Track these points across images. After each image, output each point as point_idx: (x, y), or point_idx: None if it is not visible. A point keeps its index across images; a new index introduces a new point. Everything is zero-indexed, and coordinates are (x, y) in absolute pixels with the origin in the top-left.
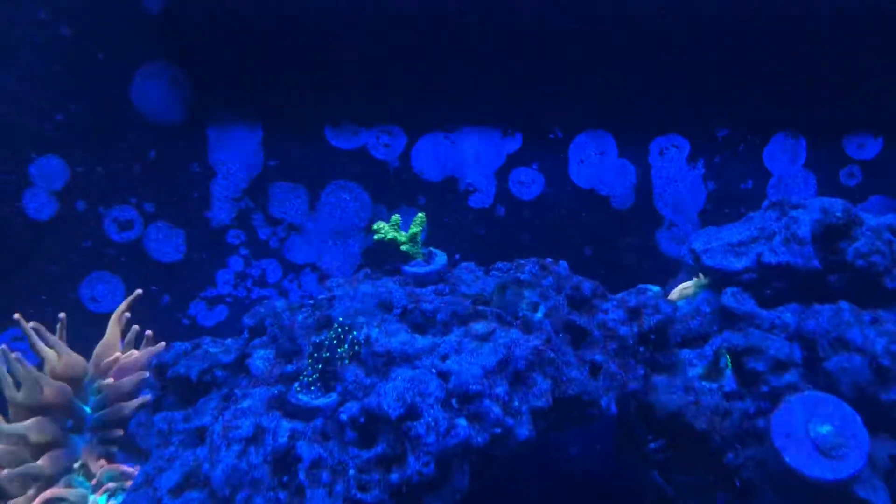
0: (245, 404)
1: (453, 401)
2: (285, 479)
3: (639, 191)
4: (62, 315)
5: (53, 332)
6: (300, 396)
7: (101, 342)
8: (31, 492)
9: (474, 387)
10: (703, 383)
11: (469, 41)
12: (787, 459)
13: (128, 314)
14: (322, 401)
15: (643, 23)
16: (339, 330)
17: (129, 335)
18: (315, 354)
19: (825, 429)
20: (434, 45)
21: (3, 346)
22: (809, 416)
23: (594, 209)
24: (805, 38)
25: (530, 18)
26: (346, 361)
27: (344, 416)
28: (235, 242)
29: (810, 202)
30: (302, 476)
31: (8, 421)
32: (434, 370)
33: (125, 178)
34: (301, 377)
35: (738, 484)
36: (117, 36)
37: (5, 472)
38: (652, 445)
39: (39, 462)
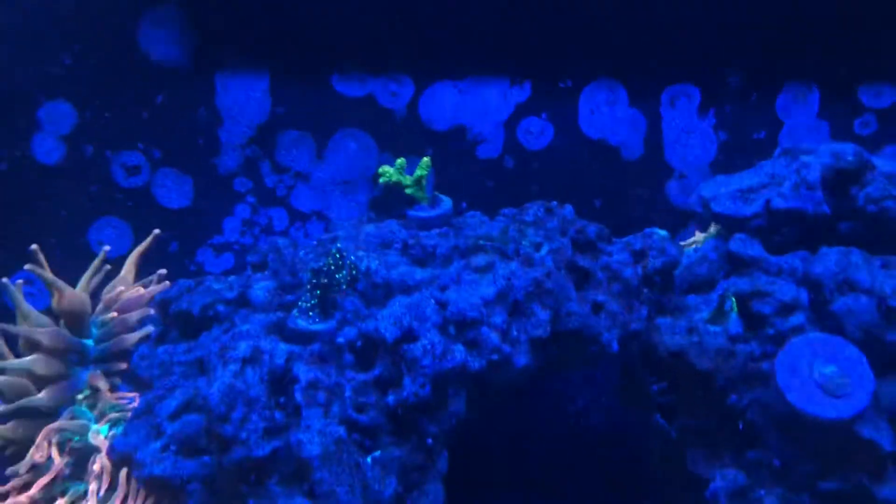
0: (244, 328)
1: (451, 328)
2: (282, 399)
3: (649, 141)
4: (34, 247)
5: (63, 273)
6: (298, 321)
7: (115, 279)
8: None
9: (472, 314)
10: (708, 326)
11: None
12: (790, 399)
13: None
14: (320, 326)
15: None
16: (337, 255)
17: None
18: (313, 280)
19: (829, 369)
20: None
21: (5, 280)
22: (814, 356)
23: (604, 160)
24: None
25: None
26: (345, 286)
27: (341, 340)
28: (242, 190)
29: (821, 147)
30: (298, 396)
31: (19, 355)
32: (433, 298)
33: (133, 123)
34: (300, 303)
35: (741, 426)
36: None
37: (3, 408)
38: (655, 387)
39: (41, 395)
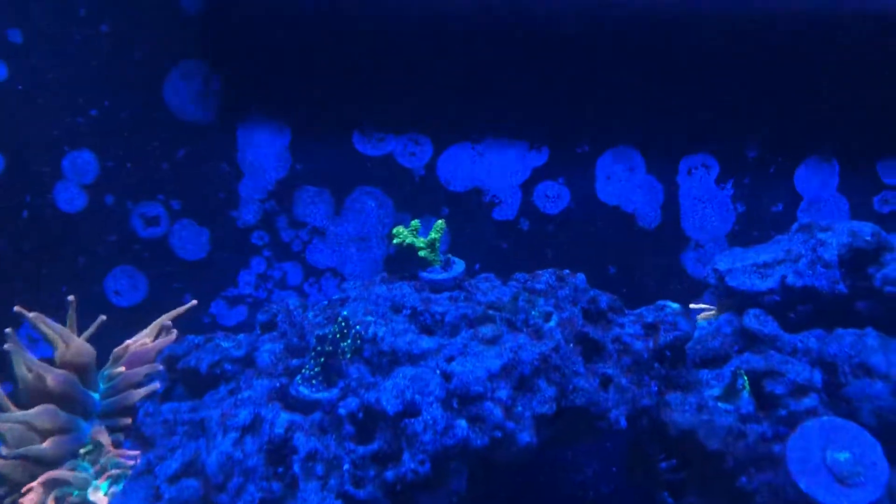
0: (246, 394)
1: (454, 401)
2: (280, 469)
3: (666, 210)
4: (71, 298)
5: (78, 321)
6: (300, 389)
7: (138, 335)
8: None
9: (476, 388)
10: (719, 404)
11: (500, 54)
12: (801, 485)
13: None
14: (322, 395)
15: (675, 41)
16: (343, 324)
17: (153, 328)
18: (318, 348)
19: (843, 456)
20: (465, 57)
21: (9, 330)
22: (827, 441)
23: (619, 227)
24: (841, 60)
25: (561, 34)
26: (349, 356)
27: (342, 411)
28: (259, 243)
29: (839, 225)
30: (297, 468)
31: (22, 406)
32: (438, 370)
33: (154, 175)
34: (303, 370)
35: None
36: (154, 35)
37: (6, 451)
38: (663, 465)
39: (44, 445)
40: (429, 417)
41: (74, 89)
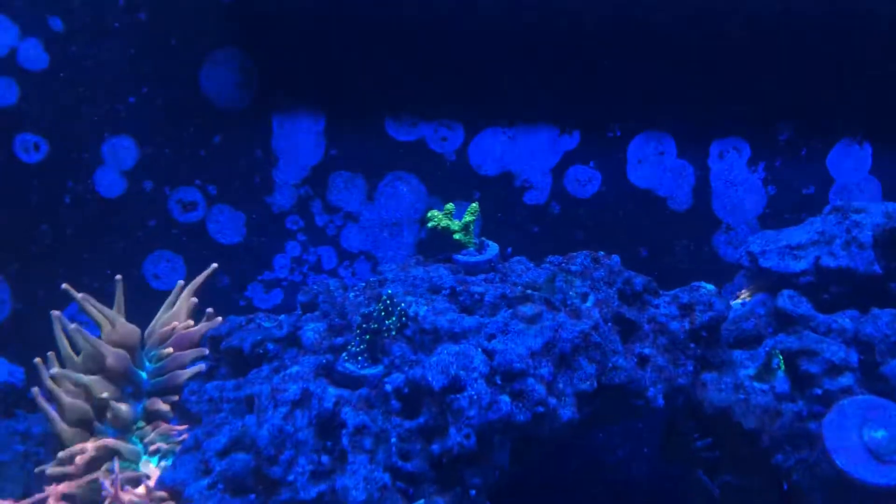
0: (294, 370)
1: (497, 378)
2: (329, 443)
3: (697, 193)
4: (119, 277)
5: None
6: (347, 365)
7: (170, 313)
8: (88, 443)
9: (518, 365)
10: (755, 383)
11: (531, 39)
12: (838, 462)
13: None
14: (368, 371)
15: (705, 23)
16: (388, 301)
17: (190, 307)
18: (363, 325)
19: (880, 433)
20: (496, 42)
21: (58, 313)
22: (864, 420)
23: (651, 210)
24: (872, 41)
25: (592, 18)
26: (394, 333)
27: (389, 387)
28: (294, 228)
29: (873, 206)
30: (345, 441)
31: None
32: (480, 348)
33: (191, 161)
34: (349, 347)
35: (785, 486)
36: (190, 23)
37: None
38: (699, 443)
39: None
40: (473, 392)
41: (113, 77)
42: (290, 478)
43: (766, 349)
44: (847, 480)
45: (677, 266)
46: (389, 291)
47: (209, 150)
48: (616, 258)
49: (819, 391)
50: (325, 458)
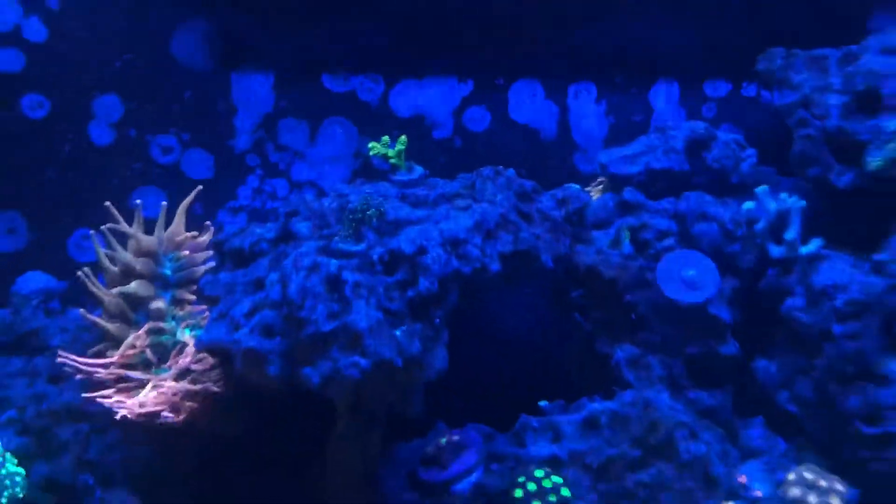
0: (303, 249)
1: (448, 246)
2: (335, 295)
3: (560, 125)
4: (138, 202)
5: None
6: (340, 245)
7: (171, 227)
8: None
9: (462, 236)
10: (610, 249)
11: (436, 8)
12: (666, 293)
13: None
14: (358, 247)
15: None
16: (367, 198)
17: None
18: (350, 216)
19: (691, 272)
20: (407, 12)
21: (93, 233)
22: (681, 265)
23: (528, 139)
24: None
25: None
26: (375, 221)
27: (374, 256)
28: (252, 164)
29: (683, 125)
30: (348, 292)
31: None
32: (434, 228)
33: (167, 113)
34: (339, 233)
35: (633, 317)
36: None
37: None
38: (574, 293)
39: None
40: (434, 254)
41: (101, 46)
42: (314, 317)
43: (616, 227)
44: (672, 304)
45: (549, 180)
46: (369, 191)
47: (182, 104)
48: (511, 171)
49: (652, 251)
50: (335, 305)
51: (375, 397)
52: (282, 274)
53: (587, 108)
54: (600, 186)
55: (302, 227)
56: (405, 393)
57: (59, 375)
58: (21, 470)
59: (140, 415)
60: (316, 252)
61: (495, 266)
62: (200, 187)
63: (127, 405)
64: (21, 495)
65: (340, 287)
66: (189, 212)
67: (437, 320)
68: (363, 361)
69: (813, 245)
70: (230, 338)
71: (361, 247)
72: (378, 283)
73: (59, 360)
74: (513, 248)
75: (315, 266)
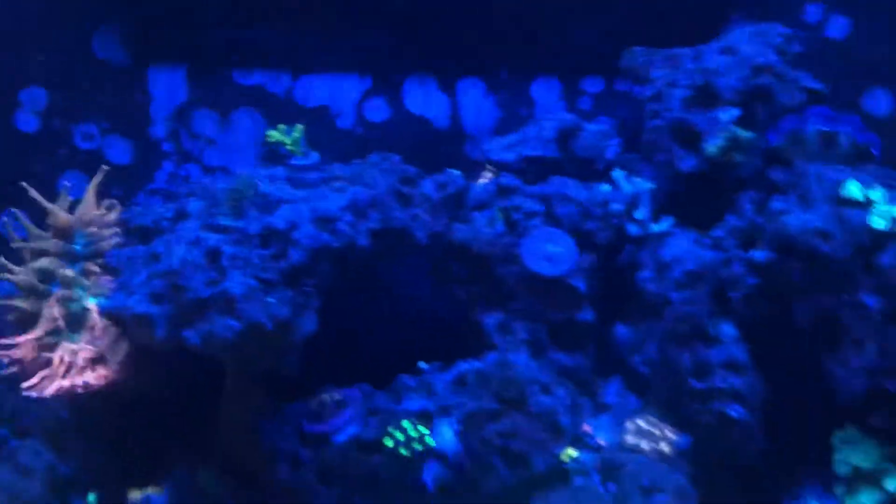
0: (189, 226)
1: (319, 223)
2: (214, 265)
3: (452, 116)
4: (66, 184)
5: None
6: (220, 220)
7: (82, 204)
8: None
9: (333, 214)
10: (485, 227)
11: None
12: (530, 266)
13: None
14: (237, 223)
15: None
16: (245, 179)
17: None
18: (230, 195)
19: (552, 248)
20: (310, 12)
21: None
22: (544, 241)
23: (422, 130)
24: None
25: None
26: (250, 200)
27: (251, 230)
28: (168, 150)
29: (554, 116)
30: (225, 262)
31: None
32: (307, 207)
33: (89, 103)
34: (221, 211)
35: (504, 290)
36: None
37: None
38: (454, 268)
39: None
40: (304, 230)
41: (30, 43)
42: (193, 285)
43: (493, 209)
44: (535, 275)
45: (442, 166)
46: (247, 175)
47: (103, 94)
48: (397, 157)
49: (521, 228)
50: (213, 274)
51: (254, 356)
52: (168, 247)
53: (476, 101)
54: (490, 174)
55: (195, 206)
56: (280, 353)
57: None
58: None
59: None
60: (199, 228)
61: (363, 241)
62: (105, 167)
63: (53, 388)
64: None
65: (218, 258)
66: (107, 193)
67: (308, 289)
68: (236, 324)
69: (664, 224)
70: (126, 304)
71: (241, 223)
72: (254, 255)
73: None
74: (382, 226)
75: (197, 240)
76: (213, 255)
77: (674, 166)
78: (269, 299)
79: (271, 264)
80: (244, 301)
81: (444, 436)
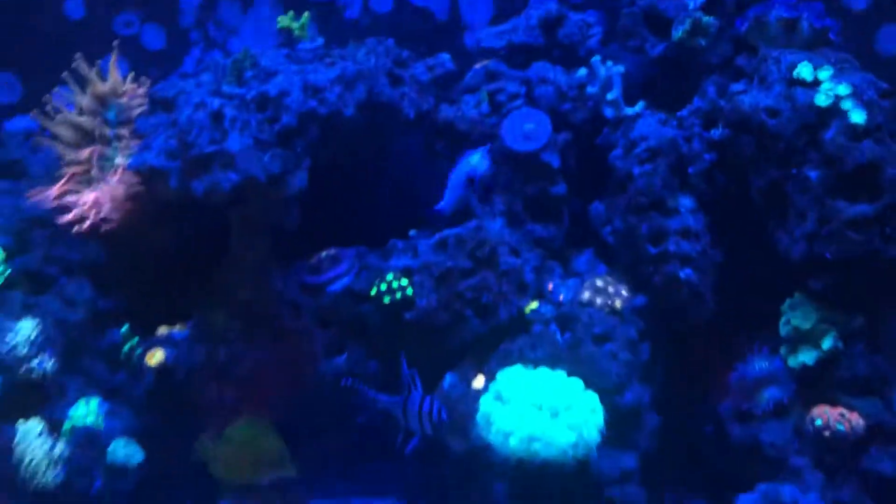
0: (195, 93)
1: (309, 91)
2: (217, 126)
3: (451, 8)
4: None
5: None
6: (225, 87)
7: (110, 81)
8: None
9: (322, 84)
10: (471, 109)
11: None
12: (507, 142)
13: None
14: (239, 90)
15: None
16: (246, 52)
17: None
18: (233, 65)
19: (529, 126)
20: None
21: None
22: (523, 120)
23: (423, 18)
24: None
25: None
26: (249, 69)
27: (249, 96)
28: (196, 38)
29: (540, 6)
30: (226, 124)
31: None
32: (299, 78)
33: None
34: (226, 79)
35: None
36: None
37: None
38: (438, 146)
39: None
40: (295, 96)
41: None
42: (199, 142)
43: (481, 91)
44: (512, 151)
45: (437, 50)
46: (250, 51)
47: None
48: (392, 40)
49: (505, 110)
50: (216, 133)
51: (254, 208)
52: (180, 111)
53: None
54: (485, 62)
55: (205, 76)
56: (277, 206)
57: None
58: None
59: (88, 210)
60: (206, 94)
61: (350, 111)
62: (116, 42)
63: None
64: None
65: (221, 120)
66: (145, 73)
67: (299, 149)
68: (234, 176)
69: (638, 106)
70: (148, 160)
71: (242, 90)
72: (252, 118)
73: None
74: (368, 98)
75: (202, 103)
76: (216, 117)
77: (646, 51)
78: (265, 157)
79: (267, 126)
80: (241, 157)
81: None
